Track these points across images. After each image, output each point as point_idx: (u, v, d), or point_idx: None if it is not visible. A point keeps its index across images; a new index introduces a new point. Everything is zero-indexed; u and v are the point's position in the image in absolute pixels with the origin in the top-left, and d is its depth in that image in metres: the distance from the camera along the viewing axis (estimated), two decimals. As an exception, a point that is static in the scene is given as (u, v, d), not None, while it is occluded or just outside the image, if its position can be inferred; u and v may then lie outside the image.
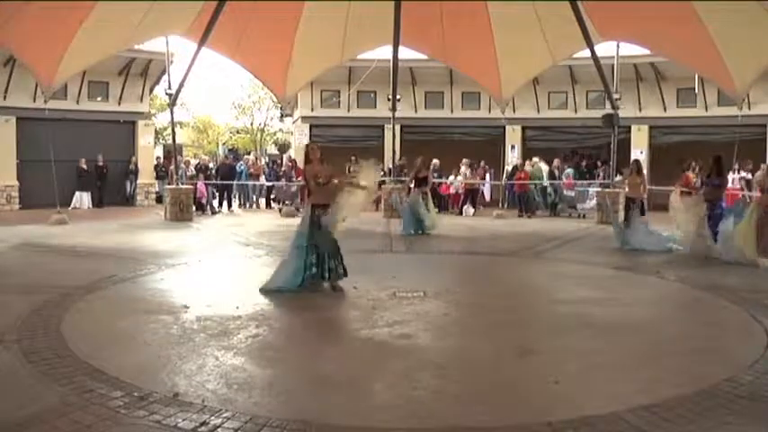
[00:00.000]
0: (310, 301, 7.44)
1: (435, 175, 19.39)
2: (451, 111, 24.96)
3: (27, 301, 6.97)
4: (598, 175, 21.62)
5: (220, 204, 21.24)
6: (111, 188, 22.32)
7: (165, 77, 19.37)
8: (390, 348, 5.62)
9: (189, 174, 21.17)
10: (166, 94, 18.23)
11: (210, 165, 23.57)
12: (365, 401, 4.41)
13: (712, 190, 11.66)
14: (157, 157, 25.27)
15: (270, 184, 22.64)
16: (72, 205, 20.58)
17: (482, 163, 22.08)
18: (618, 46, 17.80)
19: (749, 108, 18.67)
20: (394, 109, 18.62)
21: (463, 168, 21.22)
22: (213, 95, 65.36)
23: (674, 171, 19.71)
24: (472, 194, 20.79)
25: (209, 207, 20.20)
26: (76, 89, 21.38)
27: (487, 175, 22.11)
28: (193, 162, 24.53)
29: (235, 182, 21.81)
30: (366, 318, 6.59)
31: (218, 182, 21.18)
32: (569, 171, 21.08)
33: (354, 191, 7.98)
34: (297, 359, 5.42)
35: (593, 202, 19.05)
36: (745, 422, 4.06)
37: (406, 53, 18.37)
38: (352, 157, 21.67)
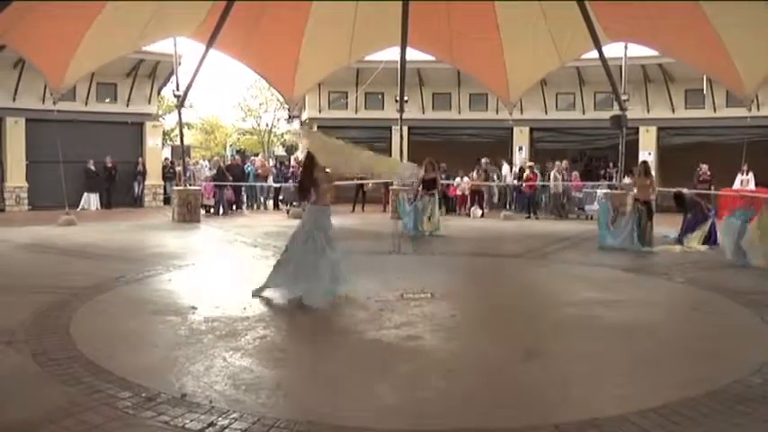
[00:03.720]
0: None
1: (443, 176, 19.36)
2: (459, 112, 24.97)
3: (36, 301, 7.00)
4: (610, 177, 21.56)
5: (230, 205, 21.29)
6: (120, 189, 22.42)
7: (173, 79, 19.44)
8: (397, 350, 5.61)
9: (207, 175, 21.29)
10: (174, 95, 18.28)
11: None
12: (372, 403, 4.41)
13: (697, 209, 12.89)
14: (165, 158, 25.36)
15: (278, 185, 22.67)
16: (80, 206, 20.66)
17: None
18: (626, 47, 17.76)
19: (758, 109, 18.59)
20: (401, 110, 18.61)
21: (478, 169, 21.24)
22: (220, 97, 65.64)
23: (683, 172, 19.76)
24: (479, 196, 20.75)
25: (221, 207, 20.29)
26: (85, 91, 21.49)
27: (493, 177, 22.06)
28: (202, 163, 24.65)
29: (244, 183, 21.83)
30: (373, 319, 6.59)
31: (228, 183, 21.19)
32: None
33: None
34: (304, 360, 5.42)
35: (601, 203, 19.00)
36: (755, 425, 4.04)
37: (413, 54, 18.35)
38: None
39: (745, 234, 10.34)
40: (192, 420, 3.97)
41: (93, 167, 21.20)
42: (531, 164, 21.19)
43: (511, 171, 22.51)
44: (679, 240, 12.58)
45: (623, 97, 17.19)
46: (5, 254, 10.95)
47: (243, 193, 22.26)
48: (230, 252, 11.96)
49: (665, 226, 13.33)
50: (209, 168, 22.79)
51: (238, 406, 4.21)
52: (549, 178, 20.69)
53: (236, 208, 21.37)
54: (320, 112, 25.37)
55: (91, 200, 21.33)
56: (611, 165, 22.86)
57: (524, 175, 20.66)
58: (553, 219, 19.08)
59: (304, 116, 26.92)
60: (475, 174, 20.86)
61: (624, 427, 3.94)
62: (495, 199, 22.13)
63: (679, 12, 13.63)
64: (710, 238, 12.51)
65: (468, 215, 20.10)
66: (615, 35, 15.93)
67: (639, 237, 12.06)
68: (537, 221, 18.70)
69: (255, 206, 22.70)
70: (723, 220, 11.59)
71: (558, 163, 20.36)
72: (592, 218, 19.01)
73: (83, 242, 12.47)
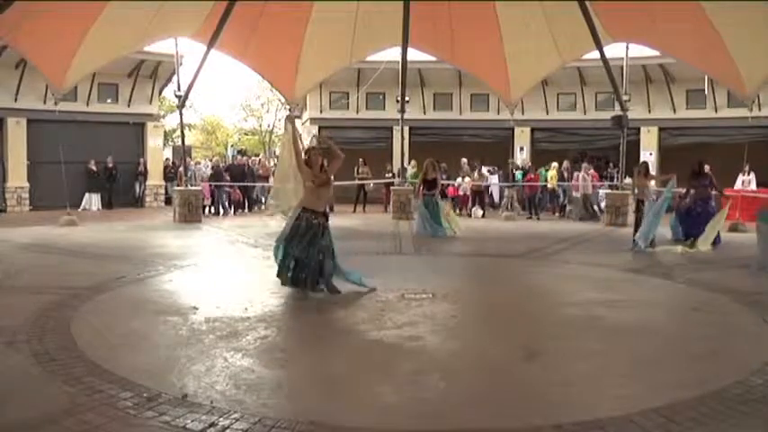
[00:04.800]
0: (319, 302, 7.44)
1: (444, 176, 19.36)
2: (460, 112, 24.97)
3: (37, 301, 7.01)
4: (611, 177, 21.53)
5: (230, 205, 21.33)
6: (121, 190, 22.44)
7: (174, 79, 19.45)
8: (399, 350, 5.61)
9: (204, 175, 21.26)
10: (176, 95, 18.29)
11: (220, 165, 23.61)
12: (373, 403, 4.41)
13: (703, 190, 12.71)
14: (166, 159, 25.39)
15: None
16: (81, 206, 20.68)
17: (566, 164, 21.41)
18: (627, 47, 17.74)
19: (759, 109, 18.59)
20: (403, 110, 18.64)
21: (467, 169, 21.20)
22: (221, 97, 65.56)
23: (684, 172, 19.72)
24: (480, 196, 20.74)
25: (220, 208, 20.28)
26: (86, 91, 21.49)
27: (495, 177, 22.03)
28: (205, 163, 24.64)
29: (242, 183, 21.78)
30: (375, 319, 6.58)
31: (225, 183, 21.17)
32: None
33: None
34: (305, 360, 5.42)
35: (603, 204, 18.96)
36: (756, 425, 4.04)
37: (414, 54, 18.39)
38: (360, 160, 21.73)
39: None
40: (193, 421, 3.97)
41: (94, 168, 21.21)
42: (555, 164, 21.10)
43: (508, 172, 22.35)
44: (689, 239, 12.26)
45: (624, 97, 17.19)
46: (7, 254, 10.93)
47: (254, 194, 22.28)
48: (231, 252, 11.97)
49: (667, 227, 13.27)
50: (211, 168, 22.78)
51: (239, 406, 4.21)
52: (552, 178, 20.71)
53: (240, 209, 21.33)
54: (321, 112, 25.38)
55: (92, 200, 21.35)
56: (611, 165, 22.85)
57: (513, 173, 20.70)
58: (581, 221, 18.72)
59: (305, 116, 26.92)
60: (477, 174, 20.89)
61: (626, 427, 3.94)
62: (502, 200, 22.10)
63: (680, 12, 13.63)
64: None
65: (470, 215, 20.09)
66: (616, 35, 15.94)
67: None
68: (538, 222, 18.68)
69: (257, 207, 22.65)
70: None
71: (585, 164, 20.22)
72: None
73: (84, 242, 12.47)
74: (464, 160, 21.53)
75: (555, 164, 20.89)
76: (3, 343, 5.49)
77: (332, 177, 7.91)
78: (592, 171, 20.02)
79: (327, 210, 8.09)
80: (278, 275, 7.83)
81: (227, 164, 23.55)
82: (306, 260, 7.61)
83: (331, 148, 8.15)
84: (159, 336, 5.95)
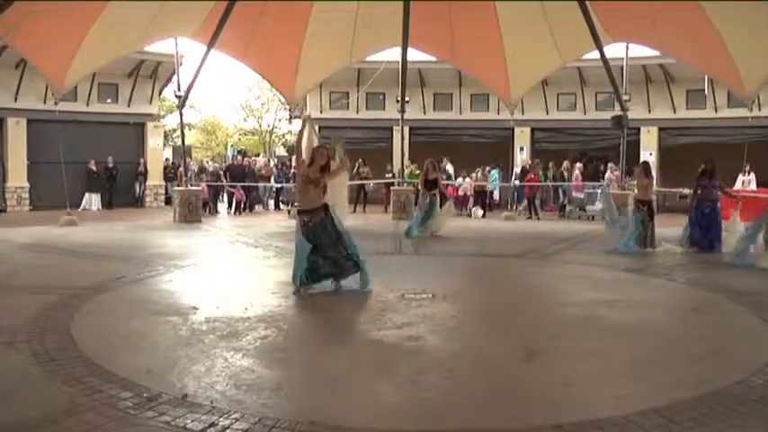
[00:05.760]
0: (319, 302, 7.46)
1: (444, 176, 19.37)
2: (460, 112, 24.96)
3: (37, 301, 7.00)
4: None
5: (230, 205, 21.36)
6: (121, 190, 22.46)
7: (174, 79, 19.46)
8: (399, 350, 5.61)
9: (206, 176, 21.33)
10: (176, 95, 18.30)
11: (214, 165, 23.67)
12: (374, 403, 4.41)
13: (711, 191, 12.43)
14: (166, 159, 25.40)
15: (279, 185, 22.67)
16: (81, 207, 20.70)
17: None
18: (627, 47, 17.76)
19: (759, 109, 18.56)
20: (403, 110, 18.65)
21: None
22: (221, 97, 65.45)
23: (684, 172, 19.71)
24: (481, 197, 20.75)
25: (210, 206, 20.34)
26: (86, 91, 21.51)
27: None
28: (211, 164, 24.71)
29: (248, 183, 21.81)
30: (375, 319, 6.58)
31: (229, 182, 21.20)
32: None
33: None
34: (306, 360, 5.42)
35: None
36: (757, 425, 4.04)
37: (414, 55, 18.37)
38: (360, 160, 21.74)
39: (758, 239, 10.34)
40: (193, 421, 3.96)
41: (94, 168, 21.23)
42: (580, 164, 21.05)
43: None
44: (710, 246, 12.01)
45: (624, 97, 17.19)
46: (7, 254, 10.95)
47: (259, 194, 22.30)
48: (231, 252, 11.97)
49: (667, 227, 13.26)
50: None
51: (240, 406, 4.20)
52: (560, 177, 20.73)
53: (244, 208, 21.37)
54: (321, 112, 25.35)
55: (92, 200, 21.37)
56: (611, 166, 22.85)
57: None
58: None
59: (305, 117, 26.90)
60: (481, 173, 20.91)
61: (626, 427, 3.92)
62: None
63: (680, 12, 13.62)
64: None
65: (470, 215, 20.10)
66: (616, 35, 15.94)
67: (638, 237, 11.98)
68: (538, 222, 18.68)
69: (258, 207, 22.70)
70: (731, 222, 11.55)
71: (611, 165, 20.05)
72: (593, 218, 19.00)
73: (84, 242, 12.48)
74: (446, 159, 21.57)
75: (578, 164, 21.05)
76: (3, 343, 5.49)
77: (324, 182, 7.85)
78: (617, 172, 19.92)
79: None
80: (300, 283, 7.77)
81: (226, 164, 23.56)
82: (329, 254, 7.73)
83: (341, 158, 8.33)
84: (159, 336, 5.94)
